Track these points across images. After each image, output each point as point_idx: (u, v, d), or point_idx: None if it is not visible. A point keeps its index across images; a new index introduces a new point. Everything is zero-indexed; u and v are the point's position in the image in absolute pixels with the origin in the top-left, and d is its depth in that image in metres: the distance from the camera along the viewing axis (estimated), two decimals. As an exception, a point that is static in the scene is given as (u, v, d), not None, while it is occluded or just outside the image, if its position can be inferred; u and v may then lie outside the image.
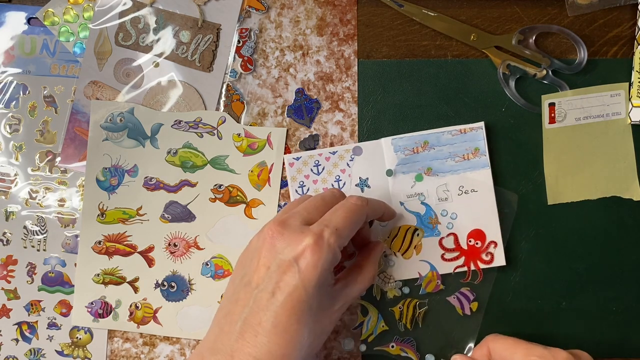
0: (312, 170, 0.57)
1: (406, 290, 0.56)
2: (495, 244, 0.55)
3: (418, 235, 0.56)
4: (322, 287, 0.45)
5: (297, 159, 0.57)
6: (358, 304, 0.56)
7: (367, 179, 0.57)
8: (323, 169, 0.57)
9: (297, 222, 0.47)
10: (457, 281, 0.56)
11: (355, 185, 0.57)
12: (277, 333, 0.43)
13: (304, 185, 0.57)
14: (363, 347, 0.56)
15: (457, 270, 0.56)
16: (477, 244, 0.55)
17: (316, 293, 0.45)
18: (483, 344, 0.52)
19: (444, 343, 0.56)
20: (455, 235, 0.56)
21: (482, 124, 0.56)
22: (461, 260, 0.56)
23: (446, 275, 0.56)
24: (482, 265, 0.55)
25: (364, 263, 0.52)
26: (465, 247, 0.56)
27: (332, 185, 0.57)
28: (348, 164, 0.57)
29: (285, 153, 0.58)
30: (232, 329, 0.45)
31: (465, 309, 0.56)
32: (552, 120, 0.56)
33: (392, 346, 0.56)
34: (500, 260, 0.55)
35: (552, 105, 0.56)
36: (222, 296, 0.58)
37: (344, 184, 0.57)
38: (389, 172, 0.55)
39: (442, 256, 0.56)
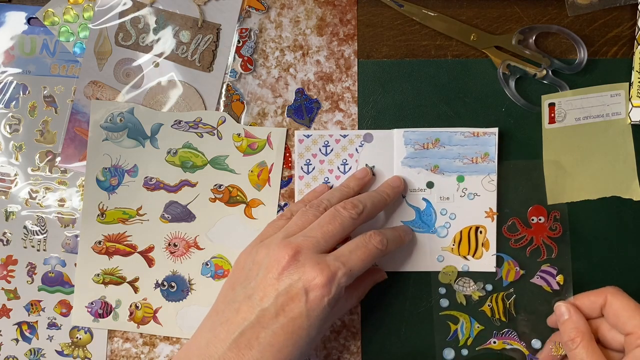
0: (320, 150, 0.57)
1: (489, 287, 0.56)
2: (559, 214, 0.55)
3: (481, 232, 0.56)
4: (323, 317, 0.46)
5: (308, 136, 0.57)
6: (443, 315, 0.57)
7: (374, 166, 0.57)
8: (331, 150, 0.57)
9: (312, 252, 0.47)
10: (535, 262, 0.56)
11: None
12: (272, 351, 0.45)
13: (310, 164, 0.57)
14: (465, 352, 0.56)
15: (531, 250, 0.56)
16: (540, 219, 0.56)
17: (317, 323, 0.46)
18: (601, 292, 0.51)
19: (544, 325, 0.56)
20: (516, 219, 0.56)
21: (496, 130, 0.56)
22: (531, 241, 0.56)
23: (523, 260, 0.56)
24: (552, 238, 0.55)
25: (359, 284, 0.54)
26: (530, 226, 0.56)
27: (338, 168, 0.57)
28: (357, 149, 0.57)
29: (285, 153, 0.58)
30: (228, 338, 0.45)
31: (552, 285, 0.56)
32: (552, 120, 0.56)
33: (494, 342, 0.56)
34: (490, 266, 0.56)
35: (552, 105, 0.56)
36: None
37: (350, 168, 0.57)
38: (430, 184, 0.56)
39: (510, 243, 0.56)
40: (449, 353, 0.56)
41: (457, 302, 0.57)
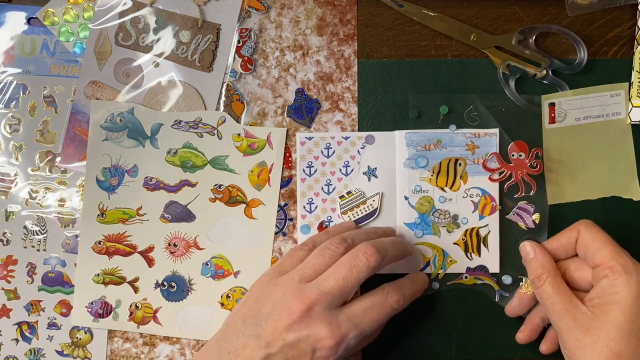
0: (322, 152, 0.57)
1: (464, 221, 0.56)
2: (541, 151, 0.55)
3: (460, 165, 0.56)
4: None
5: (310, 138, 0.57)
6: (418, 247, 0.56)
7: (376, 168, 0.57)
8: (333, 152, 0.57)
9: (325, 309, 0.47)
10: (512, 198, 0.56)
11: (363, 173, 0.57)
12: None
13: (312, 166, 0.57)
14: (436, 285, 0.56)
15: (509, 186, 0.56)
16: (520, 155, 0.55)
17: None
18: (575, 226, 0.51)
19: (517, 262, 0.56)
20: (496, 154, 0.55)
21: (496, 130, 0.56)
22: (510, 176, 0.55)
23: (500, 196, 0.56)
24: (532, 176, 0.55)
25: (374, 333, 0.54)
26: (510, 162, 0.55)
27: (340, 170, 0.57)
28: (359, 151, 0.57)
29: (285, 153, 0.58)
30: None
31: (527, 223, 0.56)
32: (552, 120, 0.56)
33: (466, 277, 0.56)
34: (494, 267, 0.56)
35: (552, 105, 0.56)
36: (223, 296, 0.58)
37: (352, 170, 0.57)
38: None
39: (489, 178, 0.56)
40: None
41: (432, 234, 0.56)
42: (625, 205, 0.57)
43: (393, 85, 0.57)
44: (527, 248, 0.52)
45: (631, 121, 0.56)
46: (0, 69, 0.59)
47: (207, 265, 0.58)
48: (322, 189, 0.57)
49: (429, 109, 0.57)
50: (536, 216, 0.56)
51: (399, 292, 0.50)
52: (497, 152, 0.55)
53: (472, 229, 0.56)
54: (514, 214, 0.56)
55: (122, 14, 0.58)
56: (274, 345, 0.46)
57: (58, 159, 0.59)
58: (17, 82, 0.59)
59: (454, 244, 0.56)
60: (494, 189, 0.56)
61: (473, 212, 0.56)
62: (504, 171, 0.55)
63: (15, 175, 0.59)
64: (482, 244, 0.56)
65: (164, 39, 0.58)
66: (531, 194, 0.56)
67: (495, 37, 0.57)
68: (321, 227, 0.57)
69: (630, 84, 0.56)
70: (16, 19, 0.59)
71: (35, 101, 0.59)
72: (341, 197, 0.57)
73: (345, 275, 0.48)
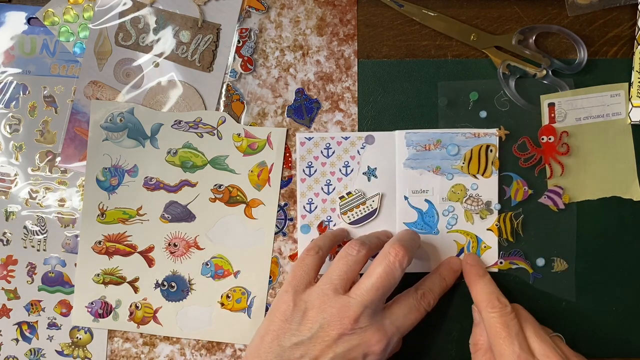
0: (322, 152, 0.57)
1: (497, 207, 0.56)
2: (567, 133, 0.55)
3: (492, 151, 0.56)
4: None
5: (309, 138, 0.57)
6: (450, 235, 0.56)
7: (376, 168, 0.57)
8: (333, 152, 0.57)
9: (372, 316, 0.49)
10: (543, 181, 0.56)
11: (363, 173, 0.57)
12: None
13: (312, 166, 0.57)
14: None
15: (539, 170, 0.56)
16: (550, 139, 0.55)
17: None
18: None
19: (549, 243, 0.56)
20: (527, 138, 0.56)
21: (496, 130, 0.56)
22: (540, 160, 0.56)
23: (531, 179, 0.56)
24: (560, 158, 0.56)
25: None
26: (539, 146, 0.56)
27: (340, 170, 0.57)
28: (359, 152, 0.57)
29: (285, 153, 0.58)
30: None
31: (558, 204, 0.56)
32: (552, 120, 0.56)
33: (501, 262, 0.57)
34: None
35: (551, 105, 0.56)
36: (223, 296, 0.58)
37: (352, 170, 0.57)
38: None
39: (520, 162, 0.56)
40: None
41: (465, 222, 0.56)
42: (625, 205, 0.57)
43: (393, 85, 0.57)
44: (475, 314, 0.54)
45: (631, 121, 0.56)
46: (0, 69, 0.59)
47: (207, 265, 0.58)
48: (322, 189, 0.57)
49: (459, 96, 0.57)
50: (566, 197, 0.56)
51: (431, 294, 0.53)
52: (527, 137, 0.56)
53: (506, 214, 0.56)
54: (545, 197, 0.56)
55: (122, 14, 0.58)
56: (323, 359, 0.47)
57: (58, 159, 0.59)
58: (17, 82, 0.59)
59: (488, 229, 0.56)
60: (525, 174, 0.56)
61: (506, 197, 0.56)
62: (534, 155, 0.55)
63: (15, 175, 0.59)
64: (515, 229, 0.56)
65: (164, 39, 0.58)
66: (560, 175, 0.56)
67: (495, 37, 0.57)
68: (321, 227, 0.57)
69: (630, 84, 0.56)
70: (16, 19, 0.59)
71: (35, 101, 0.59)
72: (341, 197, 0.57)
73: (382, 280, 0.49)
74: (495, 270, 0.57)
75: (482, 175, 0.56)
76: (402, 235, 0.53)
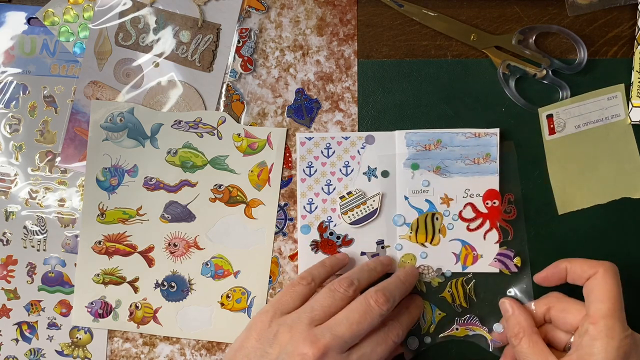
0: (322, 152, 0.57)
1: (448, 273, 0.56)
2: (513, 196, 0.55)
3: (437, 219, 0.56)
4: None
5: (310, 138, 0.57)
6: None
7: (376, 168, 0.57)
8: (333, 152, 0.57)
9: (338, 353, 0.48)
10: (492, 245, 0.56)
11: (363, 173, 0.57)
12: None
13: (312, 166, 0.57)
14: (428, 339, 0.56)
15: (487, 234, 0.56)
16: (494, 203, 0.55)
17: None
18: (595, 265, 0.48)
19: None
20: (471, 204, 0.56)
21: (497, 130, 0.56)
22: (487, 224, 0.56)
23: (480, 244, 0.56)
24: (507, 220, 0.56)
25: None
26: (484, 210, 0.56)
27: (340, 170, 0.57)
28: (359, 151, 0.57)
29: (285, 153, 0.58)
30: None
31: (510, 267, 0.56)
32: (551, 131, 0.56)
33: (457, 329, 0.56)
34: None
35: (550, 116, 0.56)
36: (223, 296, 0.58)
37: (352, 170, 0.57)
38: (415, 166, 0.56)
39: (467, 228, 0.56)
40: (413, 342, 0.56)
41: (417, 290, 0.56)
42: (637, 205, 0.56)
43: (393, 85, 0.57)
44: (505, 305, 0.52)
45: (631, 121, 0.56)
46: (0, 69, 0.59)
47: (207, 265, 0.58)
48: (322, 189, 0.57)
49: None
50: (517, 260, 0.56)
51: (398, 325, 0.52)
52: (472, 202, 0.56)
53: (457, 280, 0.56)
54: (495, 261, 0.56)
55: (122, 14, 0.58)
56: None
57: (58, 159, 0.59)
58: (17, 82, 0.59)
59: (440, 296, 0.56)
60: (473, 239, 0.56)
61: (456, 263, 0.56)
62: (480, 220, 0.56)
63: (15, 175, 0.59)
64: (468, 294, 0.56)
65: (164, 39, 0.58)
66: (509, 238, 0.56)
67: (495, 37, 0.57)
68: (321, 227, 0.57)
69: (630, 84, 0.56)
70: (16, 19, 0.59)
71: (35, 101, 0.59)
72: (341, 197, 0.57)
73: (358, 321, 0.49)
74: (452, 337, 0.56)
75: (430, 243, 0.56)
76: (392, 281, 0.53)
